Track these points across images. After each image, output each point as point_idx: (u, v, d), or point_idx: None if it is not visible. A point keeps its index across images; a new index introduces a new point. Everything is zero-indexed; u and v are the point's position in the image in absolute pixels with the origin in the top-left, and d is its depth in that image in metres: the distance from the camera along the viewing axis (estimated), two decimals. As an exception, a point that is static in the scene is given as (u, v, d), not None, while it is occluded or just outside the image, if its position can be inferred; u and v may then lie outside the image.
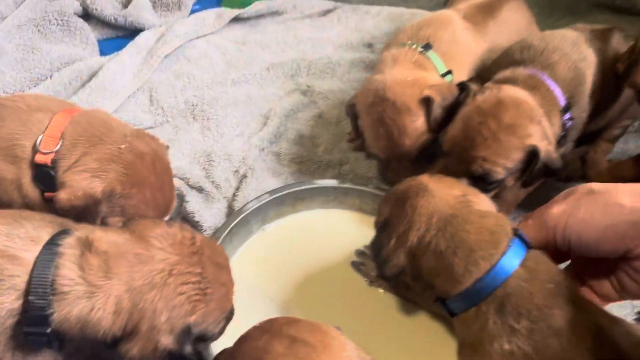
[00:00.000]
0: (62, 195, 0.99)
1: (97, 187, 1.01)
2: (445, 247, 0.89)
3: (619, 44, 1.39)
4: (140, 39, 1.83)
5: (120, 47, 1.82)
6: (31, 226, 0.85)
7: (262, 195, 1.36)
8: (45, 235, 0.84)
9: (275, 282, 1.26)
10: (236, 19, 2.03)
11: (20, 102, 1.10)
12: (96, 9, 1.87)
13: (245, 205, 1.34)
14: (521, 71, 1.24)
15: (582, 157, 1.55)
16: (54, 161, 1.03)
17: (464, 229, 0.89)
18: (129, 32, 1.91)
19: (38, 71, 1.65)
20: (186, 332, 0.84)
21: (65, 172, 1.03)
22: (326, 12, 2.12)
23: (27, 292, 0.79)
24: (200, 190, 1.46)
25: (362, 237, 1.36)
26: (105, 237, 0.85)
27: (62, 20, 1.80)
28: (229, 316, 0.95)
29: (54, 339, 0.81)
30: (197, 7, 2.11)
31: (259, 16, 2.06)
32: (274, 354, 0.75)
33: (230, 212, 1.41)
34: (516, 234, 0.88)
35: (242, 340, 0.85)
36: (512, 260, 0.85)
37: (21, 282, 0.79)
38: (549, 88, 1.22)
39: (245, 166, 1.53)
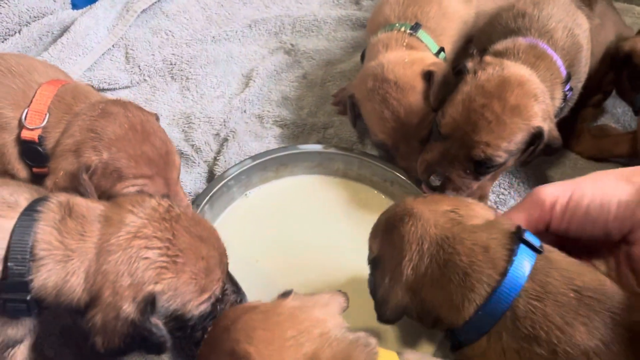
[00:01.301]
0: (47, 182, 0.99)
1: (73, 164, 0.98)
2: (441, 276, 0.81)
3: (603, 11, 1.36)
4: (110, -8, 1.73)
5: (93, 0, 1.72)
6: (7, 192, 0.83)
7: (245, 160, 1.32)
8: (23, 201, 0.82)
9: (260, 246, 1.24)
10: (217, -29, 1.92)
11: (2, 64, 1.04)
12: (66, -42, 1.75)
13: (227, 170, 1.30)
14: (521, 42, 1.19)
15: (564, 125, 1.53)
16: (40, 137, 1.02)
17: (454, 250, 0.81)
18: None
19: (6, 25, 1.56)
20: (149, 301, 0.80)
21: (53, 158, 1.01)
22: (312, -35, 2.02)
23: (5, 258, 0.77)
24: (179, 154, 1.41)
25: (346, 203, 1.35)
26: (85, 203, 0.85)
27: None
28: (215, 300, 0.90)
29: (33, 306, 0.79)
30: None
31: (241, -32, 1.95)
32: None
33: (211, 177, 1.37)
34: (520, 239, 0.79)
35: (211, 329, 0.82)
36: (516, 276, 0.76)
37: (1, 247, 0.77)
38: (552, 59, 1.18)
39: (226, 129, 1.48)
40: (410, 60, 1.27)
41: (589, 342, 0.71)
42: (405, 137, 1.27)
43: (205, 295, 0.87)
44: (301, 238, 1.28)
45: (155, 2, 1.75)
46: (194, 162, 1.40)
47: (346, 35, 1.78)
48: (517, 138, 1.10)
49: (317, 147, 1.38)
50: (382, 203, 1.34)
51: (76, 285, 0.79)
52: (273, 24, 1.78)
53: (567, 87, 1.21)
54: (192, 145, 1.44)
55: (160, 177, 1.06)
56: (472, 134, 1.10)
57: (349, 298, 0.87)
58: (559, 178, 1.45)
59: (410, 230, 0.85)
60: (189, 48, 1.66)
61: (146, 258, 0.81)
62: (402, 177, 1.31)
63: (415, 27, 1.32)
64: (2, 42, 1.53)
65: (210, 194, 1.24)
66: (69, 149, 1.00)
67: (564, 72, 1.20)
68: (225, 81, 1.62)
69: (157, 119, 1.14)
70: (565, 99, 1.22)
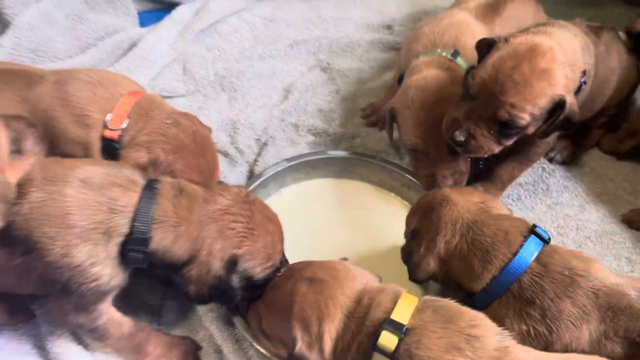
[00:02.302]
0: None
1: (143, 157, 1.21)
2: (468, 251, 1.07)
3: (608, 41, 1.49)
4: (177, 13, 1.99)
5: (158, 20, 1.99)
6: (128, 171, 1.07)
7: (280, 162, 1.53)
8: (139, 179, 1.07)
9: (288, 237, 1.41)
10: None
11: (94, 77, 1.28)
12: (137, -17, 2.02)
13: (264, 170, 1.51)
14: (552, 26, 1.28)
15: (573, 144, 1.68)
16: (119, 137, 1.24)
17: (482, 232, 1.06)
18: (167, 5, 2.06)
19: (85, 40, 1.83)
20: (234, 261, 1.06)
21: (124, 148, 1.23)
22: (350, -7, 2.24)
23: (133, 220, 1.01)
24: (225, 154, 1.64)
25: (366, 204, 1.54)
26: (189, 186, 1.10)
27: (106, -8, 1.96)
28: (275, 269, 1.13)
29: (147, 258, 1.03)
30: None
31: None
32: (299, 294, 1.02)
33: (251, 176, 1.58)
34: (532, 231, 1.04)
35: (271, 288, 1.10)
36: (524, 257, 1.02)
37: (129, 211, 1.01)
38: (575, 47, 1.26)
39: (266, 135, 1.69)
40: (450, 77, 1.39)
41: (572, 309, 0.98)
42: (437, 143, 1.36)
43: (270, 263, 1.12)
44: (327, 232, 1.47)
45: (211, 24, 2.00)
46: (237, 162, 1.62)
47: (377, 57, 1.97)
48: (542, 103, 1.14)
49: (344, 154, 1.57)
50: (399, 204, 1.52)
51: (181, 245, 1.04)
52: (312, 44, 2.00)
53: (583, 78, 1.28)
54: (237, 148, 1.66)
55: (204, 185, 1.27)
56: (499, 95, 1.14)
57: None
58: (565, 193, 1.60)
59: (447, 212, 1.10)
60: (237, 63, 1.90)
61: (232, 229, 1.07)
62: (418, 183, 1.48)
63: (455, 54, 1.45)
64: (83, 53, 1.80)
65: (249, 188, 1.45)
66: (142, 144, 1.22)
67: (581, 63, 1.28)
68: (267, 93, 1.84)
69: (210, 131, 1.36)
70: (580, 88, 1.28)
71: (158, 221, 1.02)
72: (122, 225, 1.00)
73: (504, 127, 1.19)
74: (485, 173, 1.51)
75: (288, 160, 1.53)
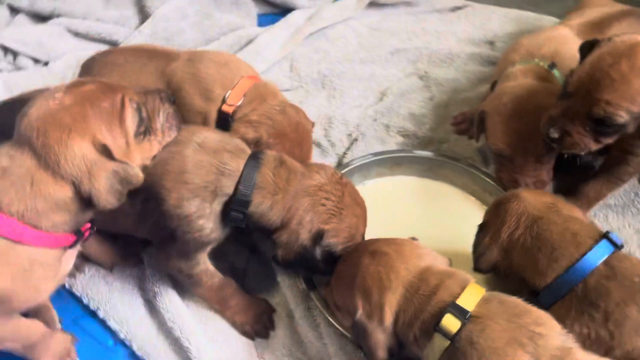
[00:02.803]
0: None
1: (250, 133, 1.37)
2: (531, 244, 1.09)
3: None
4: (292, 16, 2.18)
5: (274, 22, 2.20)
6: (238, 141, 1.23)
7: (367, 155, 1.63)
8: (246, 149, 1.22)
9: (368, 227, 1.51)
10: (375, 5, 2.29)
11: (217, 60, 1.48)
12: (261, -12, 2.26)
13: (351, 160, 1.62)
14: None
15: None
16: (233, 112, 1.41)
17: (548, 228, 1.09)
18: (283, 10, 2.27)
19: (210, 34, 2.08)
20: (320, 235, 1.17)
21: (235, 122, 1.39)
22: (455, 9, 2.31)
23: (238, 183, 1.15)
24: (318, 145, 1.77)
25: (446, 204, 1.59)
26: (290, 160, 1.22)
27: (232, -6, 2.21)
28: (353, 244, 1.22)
29: (245, 219, 1.16)
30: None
31: (394, 5, 2.30)
32: (363, 265, 1.09)
33: (339, 165, 1.70)
34: (605, 236, 1.05)
35: (342, 261, 1.18)
36: (593, 259, 1.03)
37: (236, 175, 1.15)
38: None
39: (357, 131, 1.81)
40: (544, 87, 1.39)
41: (638, 316, 0.98)
42: (525, 150, 1.39)
43: (351, 243, 1.22)
44: (403, 227, 1.50)
45: (321, 29, 2.16)
46: (328, 153, 1.75)
47: (475, 69, 2.02)
48: None
49: (429, 154, 1.64)
50: (478, 209, 1.55)
51: (276, 212, 1.16)
52: (413, 53, 2.09)
53: None
54: (329, 140, 1.79)
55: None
56: (594, 92, 1.14)
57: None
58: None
59: (513, 206, 1.14)
60: (340, 65, 2.04)
61: (323, 205, 1.17)
62: (500, 190, 1.50)
63: (552, 65, 1.47)
64: (206, 45, 2.05)
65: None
66: (251, 122, 1.38)
67: None
68: (364, 95, 1.96)
69: (313, 125, 1.49)
70: None
71: (259, 187, 1.14)
72: (228, 187, 1.14)
73: (600, 125, 1.18)
74: (572, 190, 1.50)
75: (375, 154, 1.63)
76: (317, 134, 1.80)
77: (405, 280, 1.04)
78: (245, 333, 1.36)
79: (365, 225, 1.25)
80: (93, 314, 1.39)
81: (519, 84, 1.43)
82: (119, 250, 1.44)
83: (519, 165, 1.40)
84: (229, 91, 1.41)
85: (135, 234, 1.34)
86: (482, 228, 1.21)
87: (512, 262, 1.12)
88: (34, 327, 1.21)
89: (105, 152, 0.97)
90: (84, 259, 1.44)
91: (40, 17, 2.10)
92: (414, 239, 1.19)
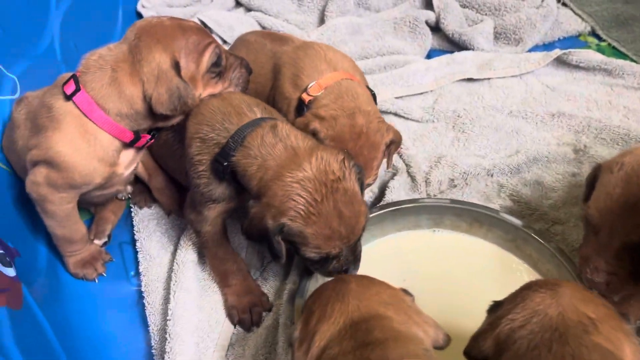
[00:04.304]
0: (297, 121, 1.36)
1: (312, 124, 1.31)
2: (528, 354, 0.77)
3: None
4: (458, 55, 2.04)
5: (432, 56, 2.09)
6: (253, 103, 1.23)
7: (444, 199, 1.42)
8: (258, 113, 1.21)
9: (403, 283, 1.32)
10: (564, 65, 1.99)
11: (321, 51, 1.50)
12: (443, 23, 2.16)
13: (423, 199, 1.43)
14: None
15: None
16: (310, 102, 1.40)
17: (563, 350, 0.75)
18: (458, 48, 2.14)
19: (367, 50, 2.09)
20: (280, 227, 1.05)
21: (307, 111, 1.39)
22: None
23: (230, 137, 1.15)
24: (413, 178, 1.60)
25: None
26: (287, 128, 1.15)
27: (413, 24, 2.16)
28: (327, 257, 1.10)
29: (226, 171, 1.15)
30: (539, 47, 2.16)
31: (589, 69, 1.96)
32: (322, 287, 0.97)
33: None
34: None
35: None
36: None
37: (232, 129, 1.16)
38: None
39: (462, 180, 1.58)
40: None
41: None
42: (613, 228, 1.06)
43: (316, 251, 1.08)
44: (453, 288, 1.30)
45: (486, 79, 1.97)
46: (415, 189, 1.56)
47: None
48: None
49: (518, 222, 1.33)
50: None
51: (252, 176, 1.10)
52: (580, 123, 1.74)
53: None
54: (427, 180, 1.58)
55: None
56: (629, 217, 0.97)
57: (449, 343, 0.92)
58: None
59: (537, 298, 0.84)
60: (483, 111, 1.82)
61: (294, 201, 1.04)
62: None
63: None
64: (361, 60, 2.06)
65: (396, 207, 1.41)
66: (317, 116, 1.33)
67: None
68: (495, 147, 1.70)
69: (392, 143, 1.36)
70: None
71: (244, 146, 1.12)
72: (224, 138, 1.16)
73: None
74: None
75: (453, 200, 1.40)
76: (419, 168, 1.63)
77: (348, 318, 0.87)
78: (229, 316, 1.32)
79: (346, 238, 1.07)
80: (134, 243, 1.53)
81: None
82: (180, 200, 1.55)
83: (601, 242, 1.06)
84: (314, 82, 1.40)
85: (177, 178, 1.44)
86: (494, 308, 0.92)
87: None
88: (82, 227, 1.39)
89: (177, 68, 1.18)
90: (151, 197, 1.61)
91: (240, 5, 2.41)
92: (406, 291, 0.97)
